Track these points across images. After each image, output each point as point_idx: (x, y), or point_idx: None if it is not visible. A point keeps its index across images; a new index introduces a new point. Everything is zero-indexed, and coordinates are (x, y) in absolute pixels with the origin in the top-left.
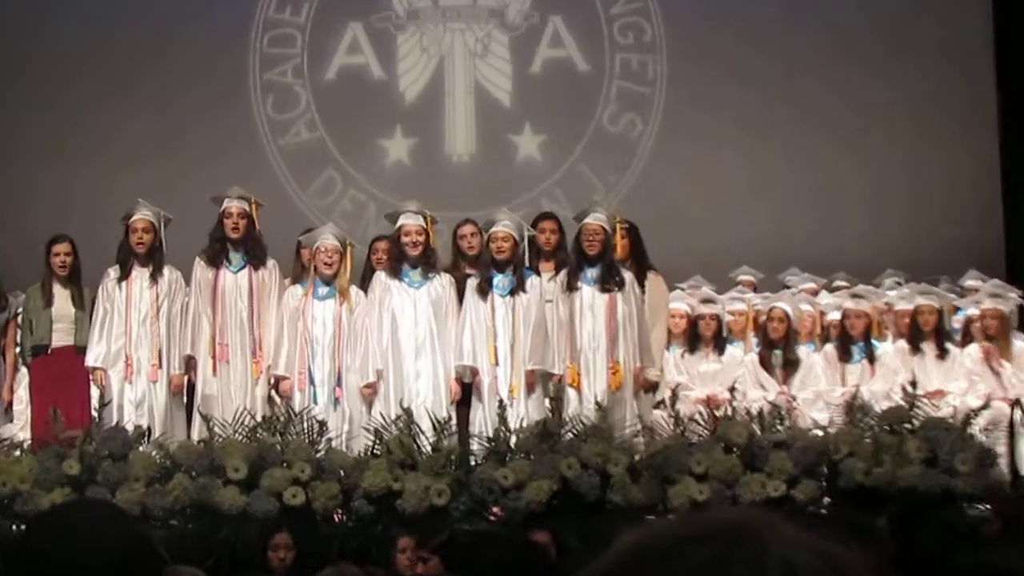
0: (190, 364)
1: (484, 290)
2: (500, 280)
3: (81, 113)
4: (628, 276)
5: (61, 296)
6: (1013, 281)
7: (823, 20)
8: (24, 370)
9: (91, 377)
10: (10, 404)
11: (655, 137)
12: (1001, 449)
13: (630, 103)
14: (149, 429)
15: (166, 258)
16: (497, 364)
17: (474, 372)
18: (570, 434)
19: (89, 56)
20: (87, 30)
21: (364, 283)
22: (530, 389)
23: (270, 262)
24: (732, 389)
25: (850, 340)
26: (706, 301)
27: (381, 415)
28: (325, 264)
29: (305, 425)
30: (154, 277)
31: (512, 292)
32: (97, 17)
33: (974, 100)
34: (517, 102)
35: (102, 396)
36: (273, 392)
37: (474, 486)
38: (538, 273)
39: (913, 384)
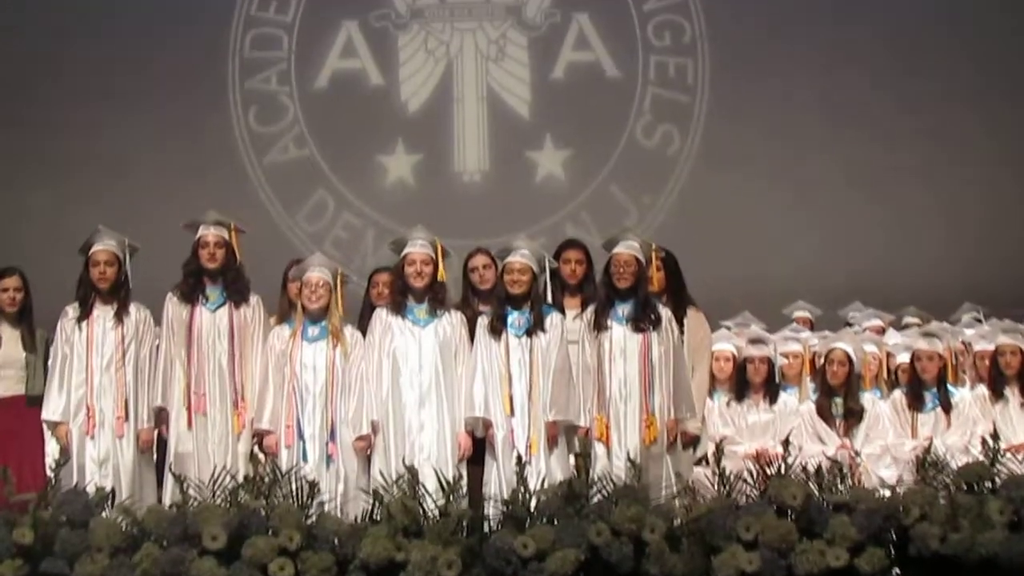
0: (161, 417)
1: (497, 329)
2: (516, 318)
3: (34, 129)
4: (665, 313)
5: (9, 338)
6: None
7: (887, 22)
8: None
9: (51, 432)
10: None
11: (695, 152)
12: None
13: (666, 113)
14: (113, 491)
15: (132, 294)
16: (513, 415)
17: (486, 425)
18: (599, 496)
19: (44, 64)
20: (43, 35)
21: (363, 322)
22: (551, 444)
23: (253, 298)
24: (786, 443)
25: (922, 386)
26: (755, 341)
27: (381, 474)
28: (311, 300)
29: (293, 486)
30: (119, 316)
31: (529, 332)
32: (55, 22)
33: None
34: (537, 112)
35: (61, 454)
36: (256, 448)
37: (489, 556)
38: (561, 310)
39: (995, 436)
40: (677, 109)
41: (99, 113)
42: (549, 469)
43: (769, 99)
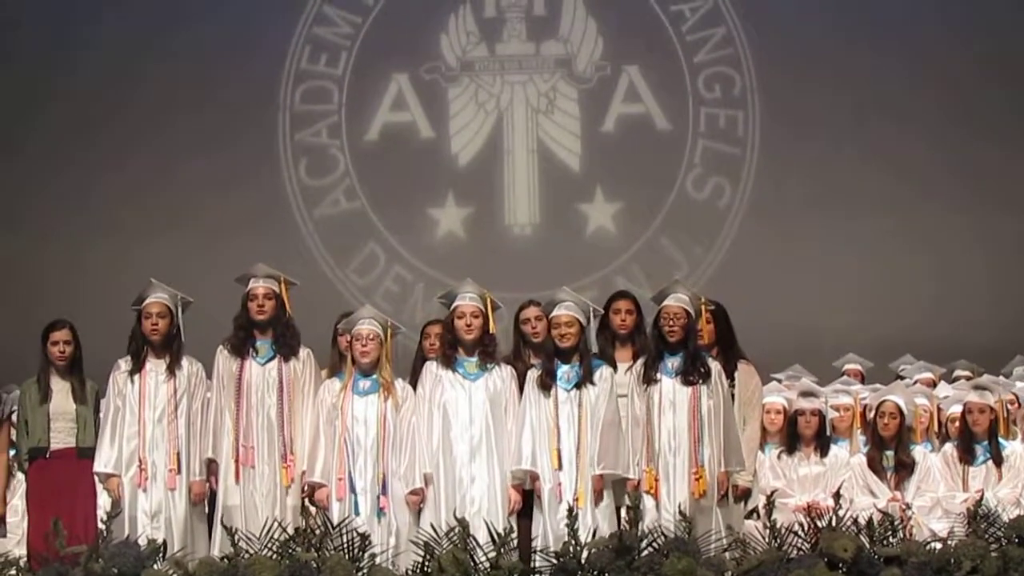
0: (212, 469)
1: (546, 384)
2: (565, 371)
3: (87, 182)
4: (715, 366)
5: (60, 390)
6: None
7: (939, 80)
8: (20, 476)
9: (102, 485)
10: (3, 516)
11: (746, 205)
12: None
13: (717, 166)
14: (165, 544)
15: (185, 348)
16: (560, 468)
17: (533, 477)
18: (649, 548)
19: (97, 117)
20: (96, 87)
21: (415, 375)
22: (597, 497)
23: (303, 351)
24: (837, 495)
25: (973, 438)
26: (806, 394)
27: (432, 527)
28: (362, 352)
29: (345, 539)
30: (171, 369)
31: (579, 385)
32: (106, 73)
33: None
34: (587, 165)
35: (113, 506)
36: (307, 501)
37: None
38: (612, 362)
39: None
40: (728, 161)
41: (151, 165)
42: (596, 522)
43: (819, 152)
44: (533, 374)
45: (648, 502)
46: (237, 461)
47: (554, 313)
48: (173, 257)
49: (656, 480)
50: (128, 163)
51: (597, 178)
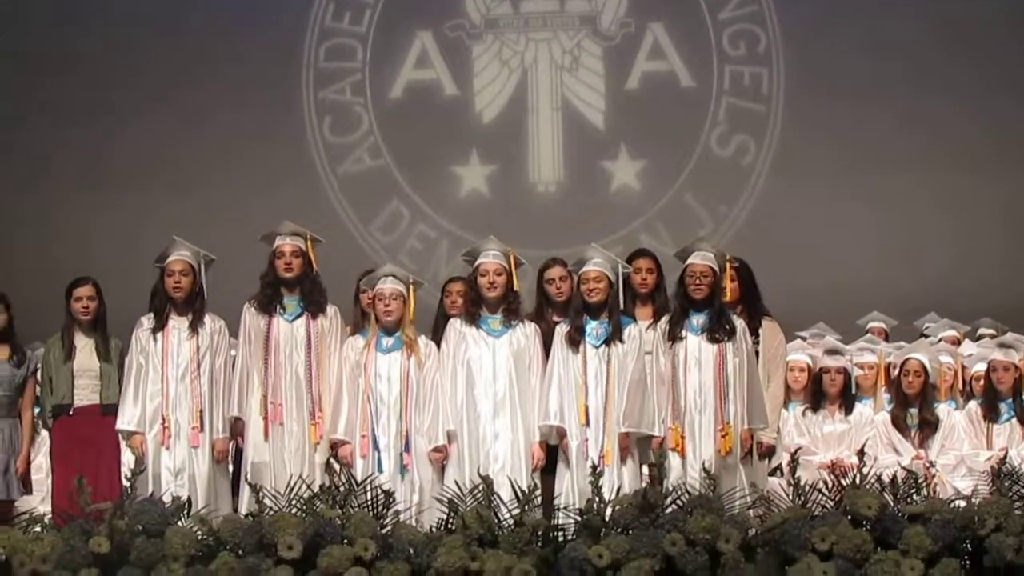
0: (236, 427)
1: (576, 340)
2: (594, 327)
3: (109, 139)
4: (739, 323)
5: (84, 347)
6: None
7: (963, 35)
8: (44, 434)
9: (125, 442)
10: (28, 474)
11: (770, 162)
12: None
13: (742, 123)
14: (189, 501)
15: (208, 305)
16: (587, 425)
17: (560, 434)
18: (674, 506)
19: (119, 74)
20: (117, 45)
21: (437, 332)
22: (624, 455)
23: (330, 308)
24: (861, 453)
25: (997, 396)
26: (831, 352)
27: (456, 483)
28: (384, 311)
29: (369, 496)
30: (194, 327)
31: (607, 341)
32: (128, 31)
33: None
34: (612, 123)
35: (137, 463)
36: (332, 459)
37: (564, 566)
38: (633, 320)
39: None
40: (752, 119)
41: (173, 122)
42: (622, 480)
43: (844, 109)
44: (562, 329)
45: (674, 460)
46: (265, 419)
47: (583, 269)
48: (197, 214)
49: (682, 438)
50: (151, 120)
51: (621, 136)
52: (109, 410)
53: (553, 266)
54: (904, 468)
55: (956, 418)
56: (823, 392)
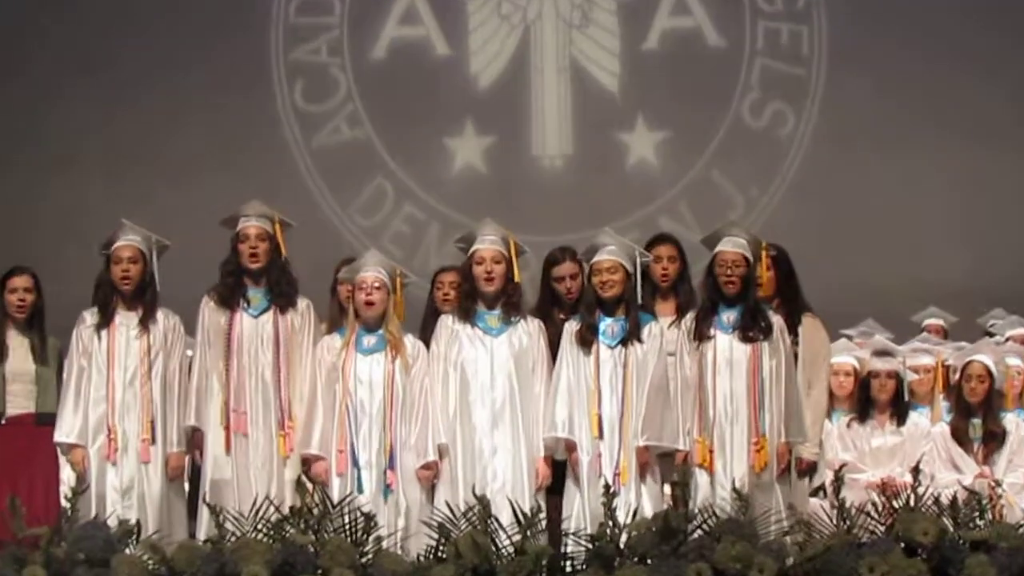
0: (194, 439)
1: (588, 340)
2: (608, 325)
3: (38, 105)
4: (776, 320)
5: (17, 347)
6: None
7: None
8: None
9: (65, 457)
10: None
11: (811, 134)
12: None
13: (778, 89)
14: (139, 525)
15: (161, 298)
16: (601, 438)
17: (569, 447)
18: (700, 531)
19: (47, 27)
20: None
21: (426, 330)
22: (643, 472)
23: (302, 302)
24: (916, 470)
25: None
26: (881, 354)
27: (447, 505)
28: (366, 302)
29: (346, 519)
30: (144, 323)
31: (624, 341)
32: None
33: None
34: (627, 88)
35: (78, 481)
36: (303, 476)
37: None
38: (652, 316)
39: None
40: (790, 84)
41: (113, 87)
42: (639, 501)
43: (897, 73)
44: (572, 327)
45: (701, 478)
46: (227, 429)
47: (595, 258)
48: (146, 195)
49: (710, 452)
50: (90, 83)
51: (639, 103)
52: (45, 420)
53: (563, 261)
54: (965, 488)
55: None
56: (872, 400)
